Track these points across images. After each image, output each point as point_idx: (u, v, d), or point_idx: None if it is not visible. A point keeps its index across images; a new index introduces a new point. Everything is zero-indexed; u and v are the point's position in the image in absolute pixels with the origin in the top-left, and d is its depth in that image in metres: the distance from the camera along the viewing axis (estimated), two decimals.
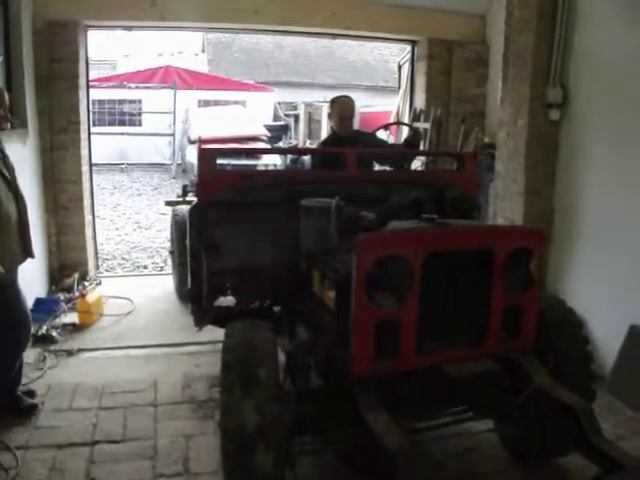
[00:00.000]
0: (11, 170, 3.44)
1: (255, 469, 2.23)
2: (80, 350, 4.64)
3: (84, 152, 6.09)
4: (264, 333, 2.61)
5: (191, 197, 3.82)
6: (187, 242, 3.51)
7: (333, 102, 4.74)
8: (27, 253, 3.54)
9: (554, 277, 4.76)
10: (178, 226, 5.50)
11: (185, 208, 5.11)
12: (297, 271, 3.27)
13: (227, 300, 3.60)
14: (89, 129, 6.35)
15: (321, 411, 2.59)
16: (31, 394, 3.80)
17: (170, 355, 4.60)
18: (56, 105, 5.77)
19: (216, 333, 3.23)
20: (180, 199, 5.85)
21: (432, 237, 2.57)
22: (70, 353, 4.58)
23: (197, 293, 3.44)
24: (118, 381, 4.10)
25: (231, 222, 3.30)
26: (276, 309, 3.54)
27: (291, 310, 3.36)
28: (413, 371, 2.55)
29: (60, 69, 5.72)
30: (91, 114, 15.56)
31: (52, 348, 4.62)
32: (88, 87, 6.25)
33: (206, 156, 3.42)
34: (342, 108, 4.63)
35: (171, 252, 6.34)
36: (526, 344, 2.77)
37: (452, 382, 2.59)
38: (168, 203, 6.53)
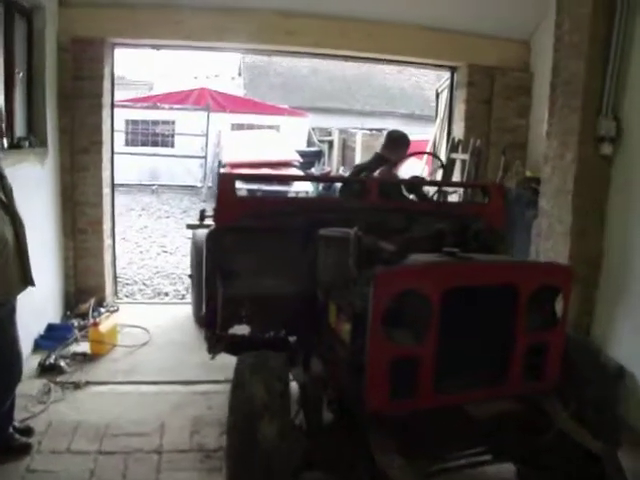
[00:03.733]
0: (8, 191, 3.17)
1: None
2: (88, 383, 4.38)
3: (106, 174, 5.89)
4: (277, 363, 2.51)
5: (209, 222, 3.67)
6: (203, 267, 3.44)
7: (402, 140, 4.88)
8: (27, 281, 3.27)
9: (600, 327, 4.35)
10: (197, 250, 5.35)
11: (205, 232, 4.93)
12: (314, 301, 3.14)
13: (242, 328, 3.42)
14: (112, 150, 6.14)
15: (332, 447, 2.52)
16: (28, 432, 3.54)
17: (182, 394, 4.30)
18: (78, 124, 5.61)
19: (232, 371, 2.91)
20: (201, 223, 5.62)
21: (453, 272, 2.48)
22: (77, 386, 4.32)
23: (211, 319, 3.36)
24: (123, 421, 3.81)
25: (248, 249, 3.23)
26: (291, 339, 3.44)
27: (306, 341, 3.29)
28: (430, 410, 2.44)
29: (84, 87, 5.57)
30: (122, 134, 15.62)
31: (59, 379, 4.38)
32: (113, 106, 6.04)
33: (225, 181, 3.40)
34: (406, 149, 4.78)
35: (190, 276, 6.17)
36: (549, 385, 2.65)
37: (471, 422, 2.51)
38: (190, 226, 6.35)
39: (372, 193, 3.51)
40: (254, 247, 3.24)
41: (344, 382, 2.62)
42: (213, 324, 3.36)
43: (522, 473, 3.06)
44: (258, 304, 3.22)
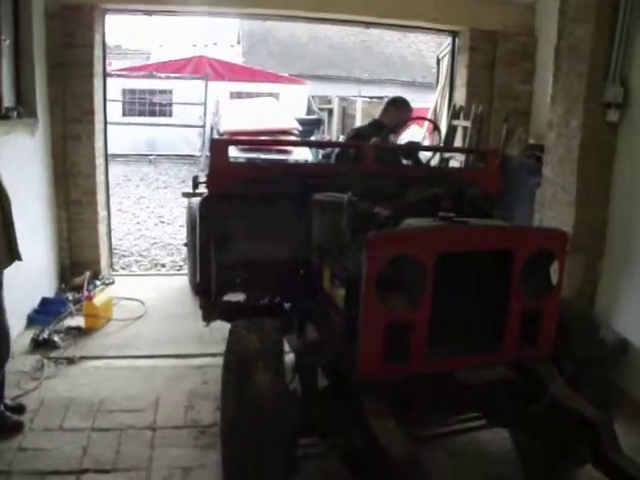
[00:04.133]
0: None
1: None
2: (82, 358, 4.30)
3: (99, 144, 5.74)
4: (272, 330, 2.48)
5: (203, 189, 3.62)
6: (197, 235, 3.42)
7: (400, 104, 4.80)
8: (14, 256, 3.16)
9: (604, 296, 4.27)
10: (192, 218, 5.31)
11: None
12: (308, 267, 3.17)
13: (237, 295, 3.47)
14: (105, 120, 5.98)
15: (327, 413, 2.49)
16: (20, 409, 3.47)
17: (177, 368, 4.23)
18: (69, 94, 5.44)
19: None
20: (196, 191, 5.56)
21: (447, 236, 2.45)
22: (71, 361, 4.24)
23: (206, 287, 3.34)
24: (117, 397, 3.74)
25: (241, 215, 3.20)
26: (286, 305, 3.44)
27: (301, 307, 3.29)
28: (424, 376, 2.43)
29: (74, 55, 5.38)
30: (119, 104, 15.40)
31: (52, 355, 4.30)
32: (105, 75, 5.88)
33: (217, 147, 3.38)
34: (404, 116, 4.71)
35: (185, 244, 6.20)
36: (544, 351, 2.65)
37: (464, 389, 2.48)
38: (185, 195, 6.27)
39: (368, 159, 3.48)
40: (248, 213, 3.21)
41: (338, 347, 2.59)
42: (208, 291, 3.34)
43: (517, 439, 3.10)
44: (252, 270, 3.21)
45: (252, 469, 2.18)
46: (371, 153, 3.52)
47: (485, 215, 2.91)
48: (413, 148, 4.71)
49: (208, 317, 3.52)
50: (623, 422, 3.48)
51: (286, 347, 2.69)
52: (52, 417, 3.48)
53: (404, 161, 4.57)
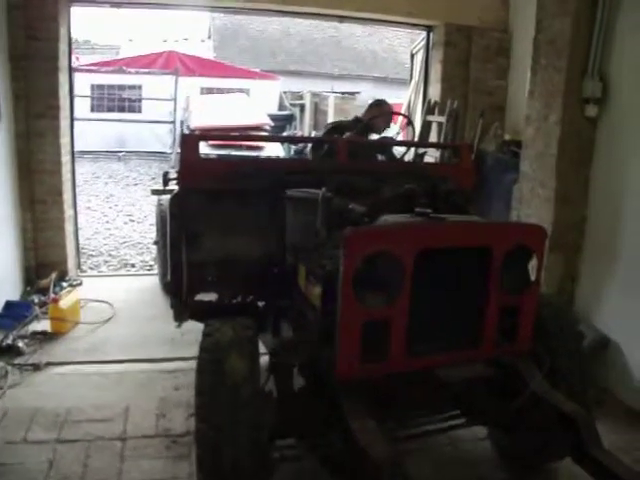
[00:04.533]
0: None
1: None
2: (48, 364, 4.12)
3: (64, 140, 5.54)
4: (245, 329, 2.43)
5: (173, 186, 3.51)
6: (167, 232, 3.34)
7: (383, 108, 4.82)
8: None
9: (584, 293, 4.24)
10: (162, 215, 5.24)
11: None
12: (283, 265, 3.11)
13: (209, 295, 3.37)
14: (72, 116, 5.79)
15: (304, 414, 2.45)
16: None
17: (148, 373, 4.07)
18: (34, 88, 5.22)
19: None
20: (166, 188, 5.46)
21: (425, 233, 2.43)
22: (36, 367, 4.06)
23: (177, 286, 3.25)
24: (84, 406, 3.56)
25: (213, 212, 3.13)
26: (260, 304, 3.35)
27: (275, 305, 3.20)
28: (403, 375, 2.41)
29: (38, 48, 5.17)
30: (87, 100, 15.09)
31: (17, 361, 4.11)
32: (71, 70, 5.69)
33: (188, 142, 3.30)
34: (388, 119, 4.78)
35: (155, 242, 6.03)
36: (523, 347, 2.63)
37: (443, 387, 2.46)
38: (155, 192, 6.10)
39: (341, 153, 3.43)
40: (220, 210, 3.14)
41: (315, 347, 2.53)
42: (179, 291, 3.25)
43: (495, 436, 3.09)
44: (224, 268, 3.17)
45: (228, 471, 2.12)
46: (344, 148, 3.47)
47: (460, 211, 2.89)
48: (387, 143, 4.75)
49: (179, 317, 3.45)
50: (606, 421, 3.46)
51: (261, 348, 2.59)
52: (16, 429, 3.29)
53: (379, 156, 4.54)
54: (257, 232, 3.17)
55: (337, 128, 4.75)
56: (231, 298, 3.32)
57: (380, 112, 4.75)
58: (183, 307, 3.34)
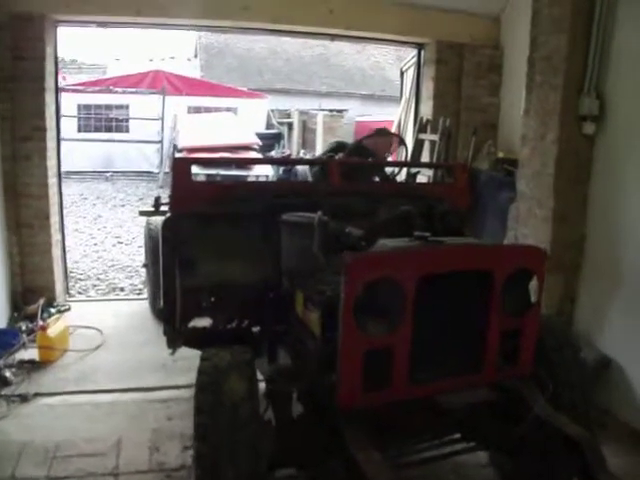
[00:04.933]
0: None
1: None
2: (36, 395, 3.99)
3: (51, 162, 5.43)
4: (243, 358, 2.42)
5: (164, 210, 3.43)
6: (160, 257, 3.30)
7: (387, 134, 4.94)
8: None
9: (583, 313, 4.18)
10: (151, 238, 5.21)
11: (160, 219, 4.72)
12: (278, 289, 3.08)
13: (202, 321, 3.34)
14: (58, 137, 5.70)
15: (303, 442, 2.43)
16: None
17: (139, 402, 3.95)
18: (19, 109, 5.14)
19: (193, 375, 2.54)
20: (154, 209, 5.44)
21: (427, 258, 2.38)
22: (24, 399, 3.92)
23: (170, 312, 3.21)
24: (75, 439, 3.44)
25: (206, 236, 3.10)
26: (255, 329, 3.32)
27: (271, 331, 3.15)
28: (405, 402, 2.37)
29: (24, 68, 5.09)
30: (74, 120, 14.96)
31: (4, 392, 3.98)
32: (57, 90, 5.60)
33: (180, 166, 3.28)
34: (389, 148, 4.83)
35: (145, 265, 5.88)
36: (525, 370, 2.60)
37: (445, 413, 2.46)
38: (143, 213, 5.98)
39: (334, 175, 3.41)
40: (213, 234, 3.11)
41: (314, 374, 2.49)
42: (172, 317, 3.21)
43: (498, 461, 3.06)
44: (219, 294, 3.14)
45: None
46: (337, 169, 3.45)
47: (456, 232, 2.92)
48: (380, 164, 4.68)
49: (173, 344, 3.40)
50: (609, 443, 3.39)
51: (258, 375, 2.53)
52: (3, 465, 3.16)
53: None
54: (252, 256, 3.12)
55: (336, 149, 4.74)
56: (226, 323, 3.26)
57: (384, 141, 4.80)
58: (177, 334, 3.28)
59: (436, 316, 2.39)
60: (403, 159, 5.85)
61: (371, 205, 3.14)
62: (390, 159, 5.84)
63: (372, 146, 4.71)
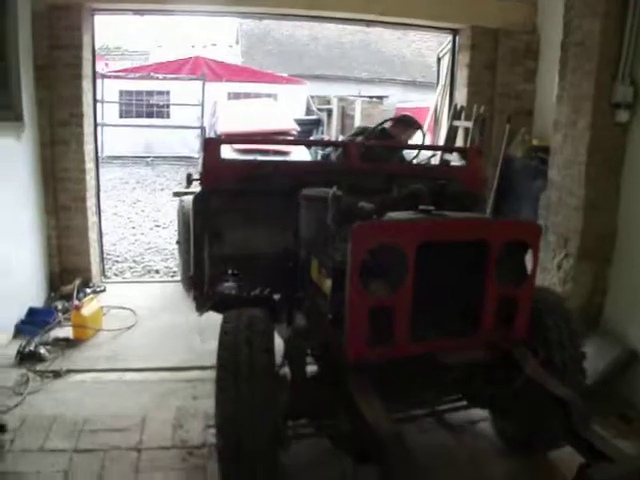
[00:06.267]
0: None
1: None
2: (69, 371, 4.12)
3: (88, 147, 5.56)
4: (261, 318, 2.62)
5: (196, 187, 3.63)
6: (191, 229, 3.55)
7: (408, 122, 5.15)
8: None
9: (613, 305, 4.08)
10: (184, 216, 5.34)
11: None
12: (297, 259, 3.33)
13: (228, 287, 3.61)
14: (95, 122, 5.83)
15: (316, 397, 2.62)
16: (1, 429, 3.27)
17: (167, 382, 4.04)
18: (57, 96, 5.26)
19: None
20: (187, 190, 5.75)
21: (427, 227, 2.61)
22: (57, 374, 4.06)
23: (199, 279, 3.49)
24: (102, 415, 3.54)
25: (233, 210, 3.34)
26: (276, 297, 3.53)
27: (290, 298, 3.41)
28: (406, 359, 2.57)
29: (62, 57, 5.21)
30: (116, 105, 15.17)
31: (38, 368, 4.11)
32: (94, 77, 5.72)
33: (210, 146, 3.55)
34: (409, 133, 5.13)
35: (178, 242, 6.11)
36: (519, 335, 2.79)
37: (445, 371, 2.65)
38: (176, 194, 6.32)
39: (353, 156, 3.65)
40: (240, 208, 3.33)
41: (326, 333, 2.73)
42: (201, 284, 3.48)
43: (497, 422, 3.31)
44: (244, 263, 3.40)
45: (248, 450, 2.28)
46: (355, 151, 3.68)
47: (465, 211, 3.03)
48: (398, 146, 4.99)
49: (201, 308, 3.62)
50: (636, 439, 3.34)
51: (276, 338, 2.71)
52: (33, 437, 3.29)
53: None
54: (274, 229, 3.36)
55: (359, 134, 4.97)
56: (250, 290, 3.47)
57: (402, 125, 5.10)
58: (205, 299, 3.50)
59: (436, 281, 2.59)
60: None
61: (385, 184, 3.31)
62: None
63: (392, 131, 4.96)
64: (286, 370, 2.66)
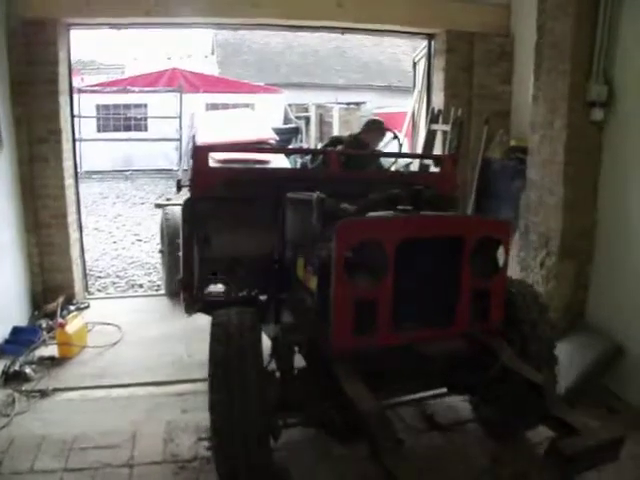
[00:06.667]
0: None
1: None
2: (55, 390, 4.08)
3: (67, 163, 5.52)
4: (250, 312, 2.79)
5: (178, 197, 3.75)
6: (180, 233, 3.74)
7: (378, 127, 5.45)
8: None
9: (595, 300, 4.14)
10: (168, 226, 5.81)
11: (175, 209, 5.50)
12: (283, 261, 3.51)
13: (216, 290, 3.84)
14: (73, 138, 5.78)
15: (304, 390, 2.77)
16: None
17: (155, 396, 4.02)
18: (35, 113, 5.23)
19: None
20: (168, 202, 6.26)
21: (406, 224, 2.82)
22: (44, 394, 4.02)
23: (188, 282, 3.66)
24: (92, 433, 3.50)
25: (221, 215, 3.50)
26: (262, 298, 3.70)
27: (277, 298, 3.57)
28: (389, 350, 2.72)
29: (38, 73, 5.18)
30: (93, 120, 15.03)
31: (24, 388, 4.07)
32: (71, 92, 5.68)
33: (199, 153, 3.70)
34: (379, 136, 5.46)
35: (161, 251, 6.42)
36: (493, 325, 2.99)
37: (427, 362, 2.77)
38: (158, 206, 6.52)
39: (333, 164, 3.85)
40: (227, 213, 3.50)
41: (313, 327, 2.90)
42: (190, 286, 3.65)
43: (480, 413, 3.47)
44: (232, 265, 3.54)
45: (239, 442, 2.45)
46: (335, 159, 3.88)
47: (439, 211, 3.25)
48: (374, 154, 5.28)
49: (190, 310, 3.78)
50: (620, 429, 3.36)
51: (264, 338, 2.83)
52: (22, 458, 3.25)
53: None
54: (260, 232, 3.54)
55: (335, 142, 5.28)
56: (237, 292, 3.65)
57: (372, 131, 5.40)
58: (194, 300, 3.68)
59: (415, 275, 2.80)
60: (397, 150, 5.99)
61: (365, 189, 3.45)
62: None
63: (365, 138, 5.25)
64: (274, 367, 2.82)
